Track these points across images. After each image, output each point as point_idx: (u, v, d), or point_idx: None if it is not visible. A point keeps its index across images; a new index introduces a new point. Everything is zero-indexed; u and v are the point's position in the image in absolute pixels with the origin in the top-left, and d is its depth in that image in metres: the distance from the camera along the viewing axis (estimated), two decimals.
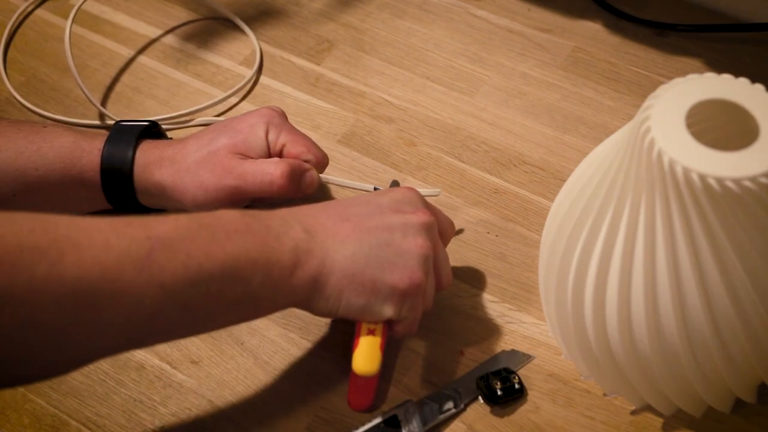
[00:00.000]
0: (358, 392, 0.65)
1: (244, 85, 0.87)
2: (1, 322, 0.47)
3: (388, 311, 0.62)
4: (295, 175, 0.71)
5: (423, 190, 0.74)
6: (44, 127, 0.73)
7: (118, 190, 0.72)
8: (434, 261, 0.64)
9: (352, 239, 0.61)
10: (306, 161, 0.73)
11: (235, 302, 0.57)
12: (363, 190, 0.75)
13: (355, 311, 0.61)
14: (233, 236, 0.56)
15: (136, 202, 0.73)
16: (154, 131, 0.76)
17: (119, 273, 0.51)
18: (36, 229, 0.49)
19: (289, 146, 0.72)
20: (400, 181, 0.78)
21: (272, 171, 0.70)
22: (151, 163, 0.71)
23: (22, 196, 0.71)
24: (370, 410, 0.66)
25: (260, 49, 0.89)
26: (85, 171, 0.71)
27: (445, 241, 0.68)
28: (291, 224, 0.60)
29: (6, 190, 0.71)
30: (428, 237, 0.63)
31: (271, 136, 0.72)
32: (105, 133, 0.73)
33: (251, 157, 0.71)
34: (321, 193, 0.79)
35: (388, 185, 0.77)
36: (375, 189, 0.74)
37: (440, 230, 0.67)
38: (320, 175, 0.74)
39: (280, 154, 0.73)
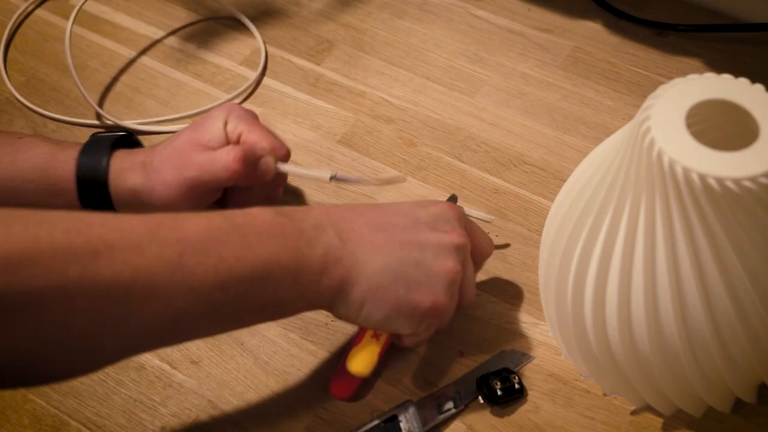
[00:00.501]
0: (342, 382, 0.66)
1: (249, 87, 0.87)
2: (35, 324, 0.48)
3: (405, 328, 0.62)
4: (249, 160, 0.70)
5: (476, 213, 0.76)
6: (19, 138, 0.73)
7: (94, 199, 0.71)
8: (460, 282, 0.64)
9: (384, 252, 0.60)
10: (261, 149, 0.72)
11: (261, 305, 0.57)
12: (318, 178, 0.74)
13: (374, 323, 0.61)
14: (265, 239, 0.56)
15: (113, 211, 0.73)
16: (130, 141, 0.76)
17: (151, 276, 0.51)
18: (70, 230, 0.49)
19: (245, 134, 0.72)
20: (457, 196, 0.78)
21: (225, 156, 0.70)
22: (125, 169, 0.71)
23: None
24: (350, 401, 0.67)
25: (265, 51, 0.89)
26: (60, 181, 0.71)
27: (479, 262, 0.69)
28: (324, 228, 0.59)
29: None
30: (459, 260, 0.63)
31: (229, 126, 0.72)
32: (81, 143, 0.73)
33: (211, 149, 0.71)
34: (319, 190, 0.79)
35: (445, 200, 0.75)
36: (332, 178, 0.73)
37: (476, 251, 0.66)
38: (278, 164, 0.72)
39: (237, 143, 0.72)
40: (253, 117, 0.74)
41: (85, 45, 0.91)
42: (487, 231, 0.76)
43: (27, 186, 0.71)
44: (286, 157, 0.73)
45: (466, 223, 0.66)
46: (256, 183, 0.72)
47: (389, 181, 0.78)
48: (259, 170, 0.71)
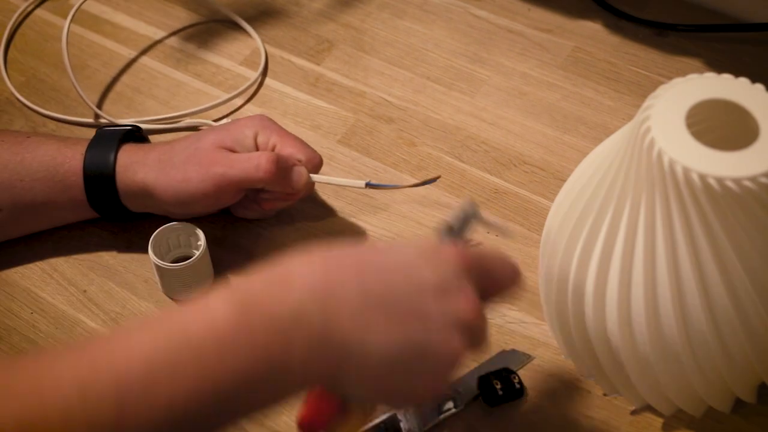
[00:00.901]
0: (312, 417, 0.54)
1: (248, 87, 0.87)
2: None
3: (396, 410, 0.62)
4: (282, 164, 0.71)
5: (495, 222, 0.68)
6: (27, 137, 0.74)
7: (101, 193, 0.72)
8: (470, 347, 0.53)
9: (382, 334, 0.49)
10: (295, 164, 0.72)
11: (230, 422, 0.48)
12: (355, 187, 0.74)
13: (364, 404, 0.54)
14: (229, 358, 0.46)
15: (120, 206, 0.73)
16: (137, 135, 0.76)
17: None
18: None
19: (279, 147, 0.72)
20: (475, 203, 0.62)
21: (258, 156, 0.70)
22: (134, 162, 0.71)
23: (8, 209, 0.72)
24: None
25: (265, 52, 0.89)
26: (68, 176, 0.72)
27: (496, 295, 0.56)
28: (308, 314, 0.48)
29: None
30: (465, 336, 0.51)
31: (260, 139, 0.72)
32: (88, 138, 0.73)
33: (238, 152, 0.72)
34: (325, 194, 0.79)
35: (462, 210, 0.60)
36: (367, 185, 0.73)
37: (494, 287, 0.55)
38: (312, 175, 0.73)
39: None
40: (281, 127, 0.74)
41: (85, 45, 0.91)
42: (487, 231, 0.76)
43: (35, 185, 0.71)
44: (318, 167, 0.74)
45: (481, 262, 0.54)
46: (286, 191, 0.72)
47: (423, 183, 0.75)
48: (293, 178, 0.72)
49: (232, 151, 0.71)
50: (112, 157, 0.71)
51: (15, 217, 0.73)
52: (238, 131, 0.72)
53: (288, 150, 0.72)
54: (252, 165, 0.70)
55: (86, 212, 0.74)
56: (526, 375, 0.68)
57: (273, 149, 0.72)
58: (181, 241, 0.74)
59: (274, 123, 0.74)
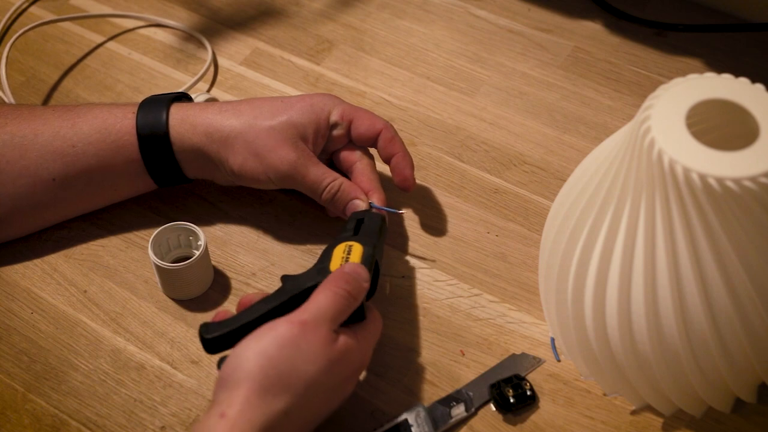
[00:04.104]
0: None
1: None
2: None
3: None
4: (340, 199, 0.72)
5: (386, 208, 0.73)
6: (77, 105, 0.74)
7: (156, 152, 0.72)
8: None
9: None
10: (378, 131, 0.73)
11: None
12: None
13: None
14: None
15: (175, 167, 0.73)
16: (184, 100, 0.76)
17: None
18: None
19: (356, 121, 0.73)
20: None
21: (333, 179, 0.71)
22: (191, 115, 0.72)
23: (60, 178, 0.72)
24: None
25: (215, 65, 0.89)
26: (121, 136, 0.72)
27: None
28: None
29: (45, 175, 0.71)
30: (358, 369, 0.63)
31: (335, 115, 0.73)
32: (137, 102, 0.74)
33: (315, 143, 0.72)
34: None
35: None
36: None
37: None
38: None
39: (348, 131, 0.73)
40: (353, 106, 0.75)
41: (85, 45, 0.91)
42: (487, 232, 0.76)
43: (89, 149, 0.72)
44: (394, 131, 0.74)
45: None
46: (332, 210, 0.74)
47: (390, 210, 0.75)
48: (346, 209, 0.72)
49: (310, 138, 0.72)
50: (164, 113, 0.72)
51: (67, 188, 0.72)
52: (314, 115, 0.72)
53: (365, 123, 0.73)
54: (310, 182, 0.71)
55: (140, 179, 0.74)
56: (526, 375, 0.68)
57: (350, 124, 0.73)
58: (181, 242, 0.74)
59: (342, 100, 0.75)
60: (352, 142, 0.74)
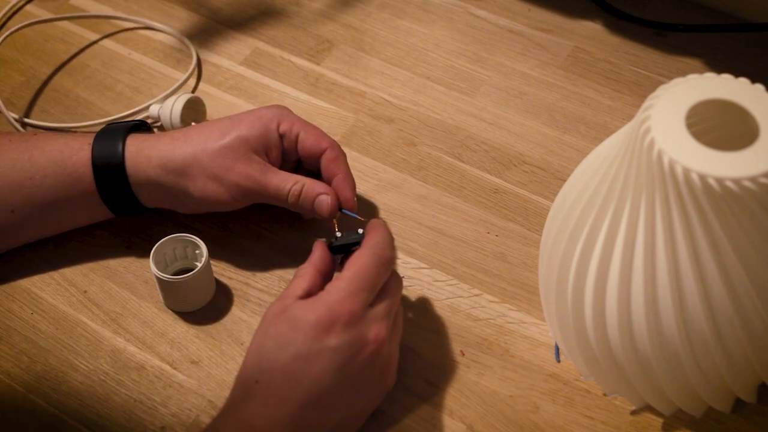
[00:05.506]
0: None
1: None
2: None
3: None
4: (306, 197, 0.71)
5: (352, 214, 0.72)
6: (34, 134, 0.74)
7: (112, 184, 0.71)
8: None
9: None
10: (323, 150, 0.72)
11: None
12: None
13: None
14: None
15: (131, 197, 0.72)
16: (143, 129, 0.76)
17: None
18: None
19: (302, 135, 0.72)
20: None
21: (295, 182, 0.71)
22: (146, 147, 0.71)
23: (19, 210, 0.72)
24: None
25: (198, 61, 0.88)
26: (77, 168, 0.71)
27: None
28: None
29: (4, 207, 0.71)
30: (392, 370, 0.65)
31: (284, 127, 0.72)
32: (94, 132, 0.73)
33: (269, 155, 0.72)
34: None
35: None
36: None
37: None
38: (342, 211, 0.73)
39: (295, 145, 0.73)
40: (303, 120, 0.74)
41: (85, 45, 0.91)
42: (487, 232, 0.76)
43: (45, 181, 0.71)
44: (342, 155, 0.73)
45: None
46: (312, 216, 0.73)
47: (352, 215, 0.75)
48: (315, 209, 0.72)
49: (263, 151, 0.71)
50: (120, 144, 0.71)
51: (27, 219, 0.72)
52: (263, 127, 0.72)
53: (311, 139, 0.72)
54: (273, 188, 0.71)
55: (98, 209, 0.73)
56: (526, 375, 0.68)
57: (297, 137, 0.72)
58: (183, 253, 0.73)
59: (292, 112, 0.74)
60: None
